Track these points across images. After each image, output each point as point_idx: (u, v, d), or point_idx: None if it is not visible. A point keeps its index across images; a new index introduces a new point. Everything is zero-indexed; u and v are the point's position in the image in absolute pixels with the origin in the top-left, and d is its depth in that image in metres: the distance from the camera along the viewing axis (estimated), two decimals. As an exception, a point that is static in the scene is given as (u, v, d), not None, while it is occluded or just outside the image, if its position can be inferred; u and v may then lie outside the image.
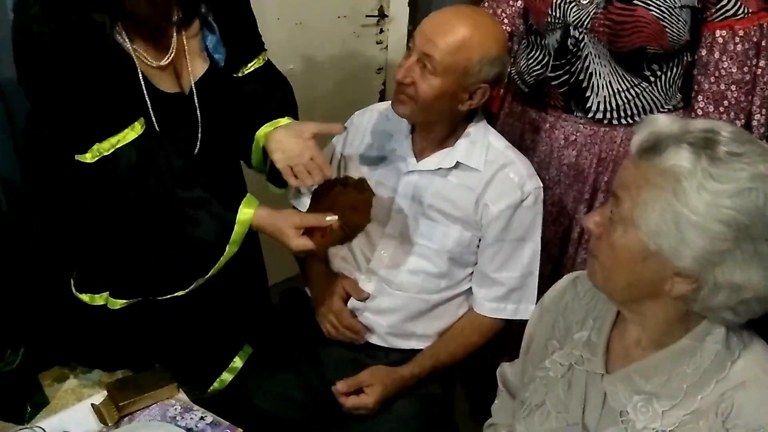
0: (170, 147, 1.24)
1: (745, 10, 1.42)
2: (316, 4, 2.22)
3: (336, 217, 1.25)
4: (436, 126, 1.41)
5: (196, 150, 1.32)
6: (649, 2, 1.40)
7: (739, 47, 1.44)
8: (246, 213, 1.24)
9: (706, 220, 0.80)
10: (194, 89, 1.30)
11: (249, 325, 1.56)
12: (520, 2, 1.68)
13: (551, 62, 1.56)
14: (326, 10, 2.26)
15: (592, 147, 1.59)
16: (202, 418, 1.20)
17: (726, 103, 1.48)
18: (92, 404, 1.24)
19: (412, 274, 1.46)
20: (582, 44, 1.50)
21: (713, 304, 0.84)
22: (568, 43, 1.51)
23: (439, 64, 1.28)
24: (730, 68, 1.45)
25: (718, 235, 0.80)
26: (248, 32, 1.40)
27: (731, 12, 1.42)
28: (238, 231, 1.24)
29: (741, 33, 1.43)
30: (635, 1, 1.40)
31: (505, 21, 1.71)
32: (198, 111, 1.30)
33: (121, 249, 1.28)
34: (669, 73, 1.51)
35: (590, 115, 1.57)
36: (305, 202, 1.60)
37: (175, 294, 1.28)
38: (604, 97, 1.53)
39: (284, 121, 1.38)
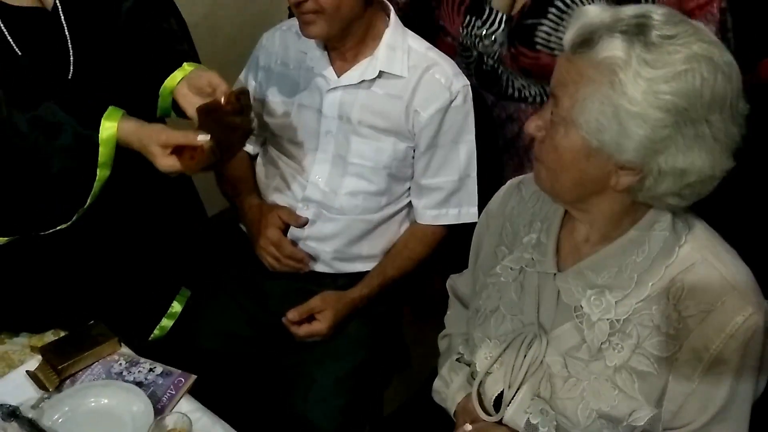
0: (32, 70, 1.11)
1: None
2: None
3: (207, 137, 1.12)
4: (350, 33, 1.33)
5: (70, 74, 1.17)
6: (551, 46, 1.33)
7: None
8: (109, 128, 1.12)
9: (645, 108, 0.79)
10: (58, 3, 1.15)
11: (185, 267, 1.48)
12: None
13: (474, 77, 1.48)
14: None
15: None
16: (151, 370, 1.14)
17: None
18: (27, 371, 1.16)
19: (351, 196, 1.42)
20: (499, 71, 1.44)
21: (659, 192, 0.86)
22: (483, 66, 1.44)
23: None
24: None
25: (658, 122, 0.79)
26: None
27: None
28: (104, 152, 1.13)
29: None
30: (537, 47, 1.32)
31: None
32: (65, 28, 1.15)
33: None
34: None
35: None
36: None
37: (58, 227, 1.18)
38: (538, 91, 1.46)
39: (180, 75, 1.25)
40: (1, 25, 1.09)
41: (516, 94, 1.46)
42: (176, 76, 1.24)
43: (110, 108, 1.15)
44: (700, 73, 0.79)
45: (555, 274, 0.98)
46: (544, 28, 1.32)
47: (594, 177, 0.87)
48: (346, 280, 1.45)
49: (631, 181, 0.85)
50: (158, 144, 1.12)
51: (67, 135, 1.11)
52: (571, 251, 0.98)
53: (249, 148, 1.53)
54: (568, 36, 0.85)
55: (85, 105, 1.15)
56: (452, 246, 1.46)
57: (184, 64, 1.26)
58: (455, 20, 1.44)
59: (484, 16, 1.40)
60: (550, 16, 1.31)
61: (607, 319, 0.91)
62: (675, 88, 0.78)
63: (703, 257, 0.89)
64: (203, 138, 1.11)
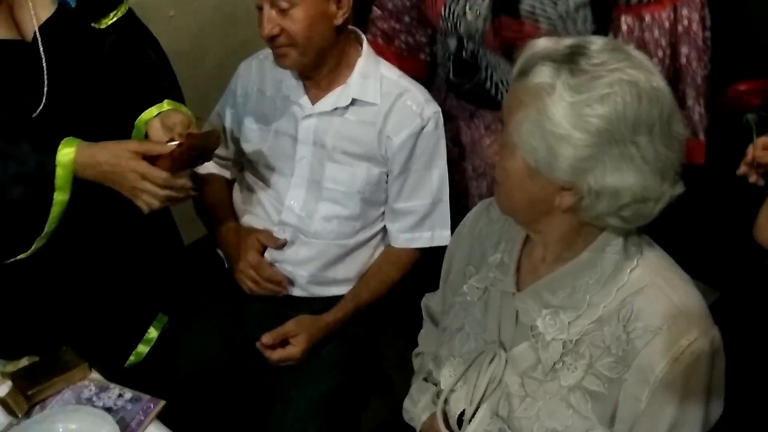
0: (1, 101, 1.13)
1: None
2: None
3: (176, 142, 1.18)
4: (324, 62, 1.37)
5: (41, 106, 1.18)
6: (536, 15, 1.31)
7: (647, 35, 1.38)
8: (67, 153, 1.14)
9: (569, 130, 0.82)
10: (38, 35, 1.17)
11: (162, 293, 1.50)
12: None
13: (452, 69, 1.48)
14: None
15: None
16: (120, 395, 1.15)
17: None
18: (-3, 397, 1.17)
19: (326, 221, 1.44)
20: (479, 57, 1.44)
21: (597, 212, 0.88)
22: (464, 54, 1.45)
23: None
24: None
25: (581, 142, 0.83)
26: None
27: None
28: (61, 174, 1.13)
29: (648, 20, 1.38)
30: (522, 16, 1.31)
31: None
32: (43, 61, 1.17)
33: None
34: None
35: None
36: None
37: (18, 257, 1.19)
38: None
39: (156, 110, 1.28)
40: None
41: (493, 90, 1.44)
42: (153, 110, 1.28)
43: (68, 137, 1.16)
44: (622, 97, 0.82)
45: (514, 294, 1.00)
46: None
47: (540, 197, 0.89)
48: (321, 304, 1.46)
49: (572, 201, 0.88)
50: (127, 149, 1.15)
51: (23, 160, 1.12)
52: (530, 271, 1.00)
53: (226, 173, 1.57)
54: (516, 65, 0.89)
55: (46, 135, 1.16)
56: (427, 267, 1.48)
57: (164, 101, 1.29)
58: (437, 1, 1.41)
59: None
60: None
61: (561, 339, 0.93)
62: (597, 111, 0.82)
63: (653, 281, 0.90)
64: (172, 144, 1.17)
